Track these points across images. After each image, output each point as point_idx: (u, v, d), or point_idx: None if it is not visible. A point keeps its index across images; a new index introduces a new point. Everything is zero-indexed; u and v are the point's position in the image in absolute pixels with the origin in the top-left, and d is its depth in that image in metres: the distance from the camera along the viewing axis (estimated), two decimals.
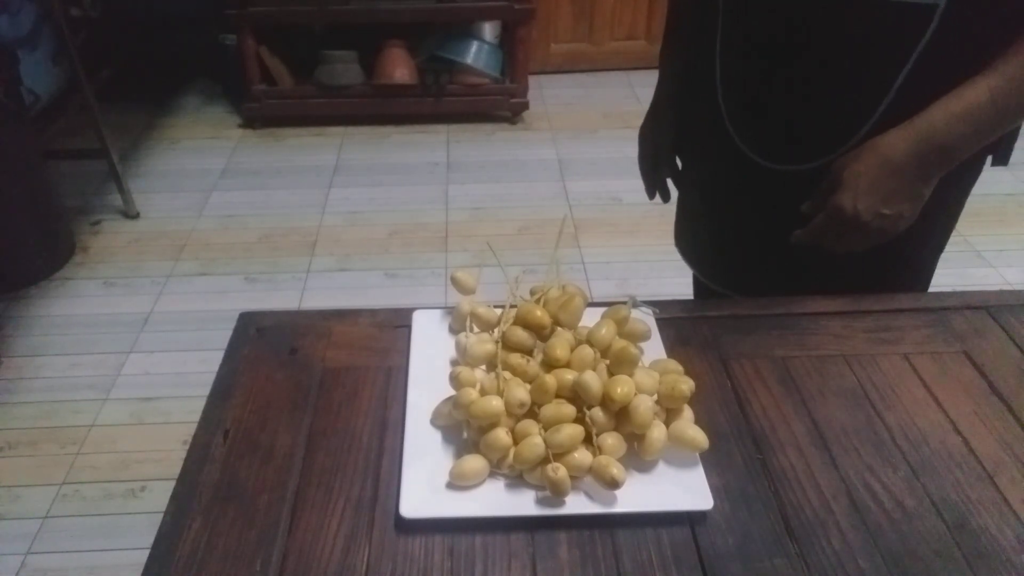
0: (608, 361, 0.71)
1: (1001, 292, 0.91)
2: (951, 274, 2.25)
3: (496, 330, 0.74)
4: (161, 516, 0.63)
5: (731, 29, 0.91)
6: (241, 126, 3.04)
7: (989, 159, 0.91)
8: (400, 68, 2.91)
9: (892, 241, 0.85)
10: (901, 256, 0.94)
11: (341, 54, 2.91)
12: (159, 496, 1.60)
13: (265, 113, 2.99)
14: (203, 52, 3.16)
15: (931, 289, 0.93)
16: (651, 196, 1.15)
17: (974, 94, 0.73)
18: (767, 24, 0.86)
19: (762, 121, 0.91)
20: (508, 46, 3.04)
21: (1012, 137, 0.87)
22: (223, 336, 0.81)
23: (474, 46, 2.98)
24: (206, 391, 0.75)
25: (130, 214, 2.49)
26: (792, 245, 0.89)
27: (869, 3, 0.76)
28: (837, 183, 0.80)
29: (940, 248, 1.00)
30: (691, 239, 1.12)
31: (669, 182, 1.13)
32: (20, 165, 2.10)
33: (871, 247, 0.82)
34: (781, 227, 0.90)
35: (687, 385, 0.69)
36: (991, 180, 3.02)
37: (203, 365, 1.86)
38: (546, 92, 3.29)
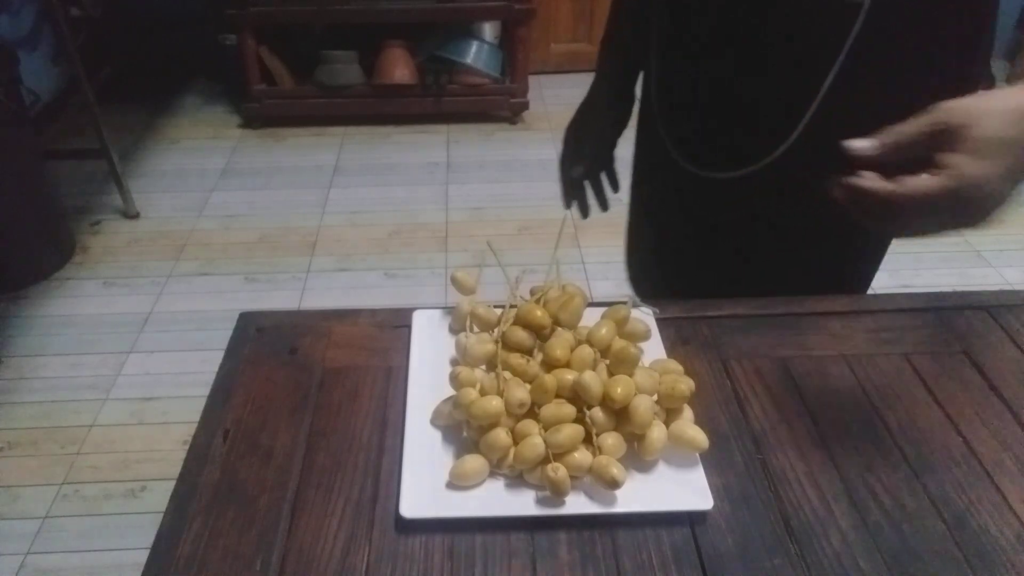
0: (608, 361, 0.71)
1: (1001, 292, 0.91)
2: (951, 274, 2.25)
3: (496, 330, 0.74)
4: (161, 516, 0.63)
5: (665, 31, 0.89)
6: (241, 126, 3.05)
7: None
8: (400, 68, 2.91)
9: (833, 255, 0.86)
10: (839, 268, 0.93)
11: (341, 54, 2.91)
12: (159, 496, 1.60)
13: (265, 113, 2.99)
14: (203, 52, 3.16)
15: (931, 289, 0.94)
16: (567, 204, 1.05)
17: None
18: (697, 26, 0.84)
19: (693, 126, 0.89)
20: (508, 46, 3.04)
21: None
22: (223, 336, 0.81)
23: (474, 46, 2.98)
24: (206, 391, 0.75)
25: (130, 214, 2.49)
26: (724, 254, 0.90)
27: (793, 2, 0.75)
28: (957, 139, 0.55)
29: (877, 262, 0.98)
30: (635, 256, 1.10)
31: (585, 191, 1.05)
32: (20, 165, 2.10)
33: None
34: (712, 236, 0.90)
35: (687, 385, 0.69)
36: None
37: (203, 365, 1.86)
38: (546, 92, 3.29)
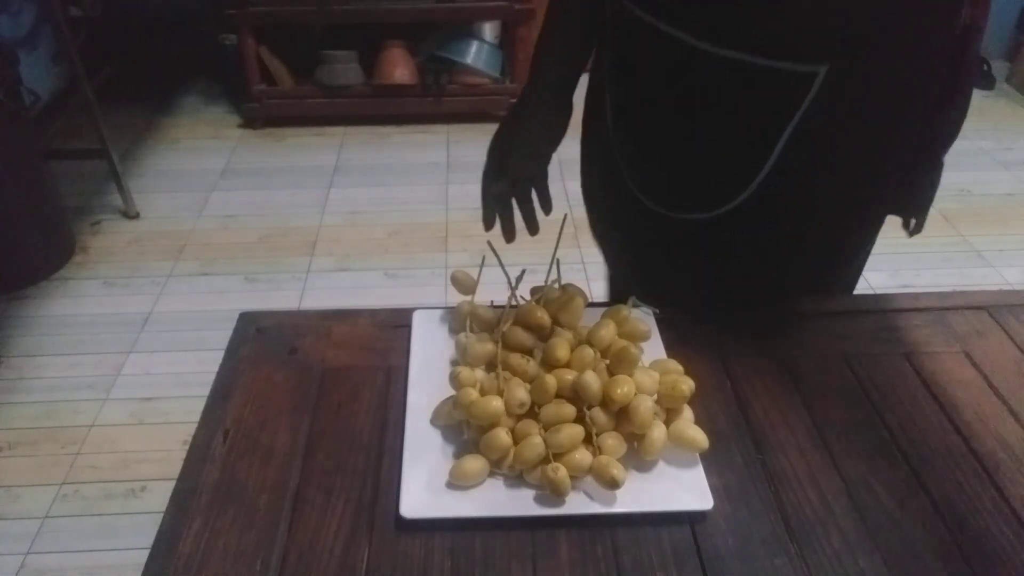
0: (608, 361, 0.71)
1: (1001, 292, 0.91)
2: (952, 274, 2.25)
3: (496, 330, 0.74)
4: (161, 516, 0.63)
5: (619, 64, 0.85)
6: (241, 126, 3.04)
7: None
8: (400, 68, 2.91)
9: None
10: (815, 281, 0.91)
11: (341, 54, 2.91)
12: (159, 496, 1.60)
13: (265, 113, 2.99)
14: (203, 52, 3.16)
15: (932, 289, 0.93)
16: (486, 224, 0.93)
17: None
18: (653, 77, 0.81)
19: (651, 170, 0.87)
20: (508, 46, 3.04)
21: (927, 201, 0.84)
22: (223, 336, 0.81)
23: (474, 46, 2.98)
24: (206, 391, 0.75)
25: (130, 214, 2.49)
26: (688, 275, 0.88)
27: (749, 67, 0.72)
28: None
29: (855, 277, 0.96)
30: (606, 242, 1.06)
31: (511, 210, 0.95)
32: (20, 165, 2.09)
33: None
34: (675, 259, 0.88)
35: (687, 385, 0.69)
36: (991, 180, 2.99)
37: (203, 365, 1.85)
38: None
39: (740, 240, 0.85)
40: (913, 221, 0.87)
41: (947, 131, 0.80)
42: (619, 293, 1.07)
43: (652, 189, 0.87)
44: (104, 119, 2.35)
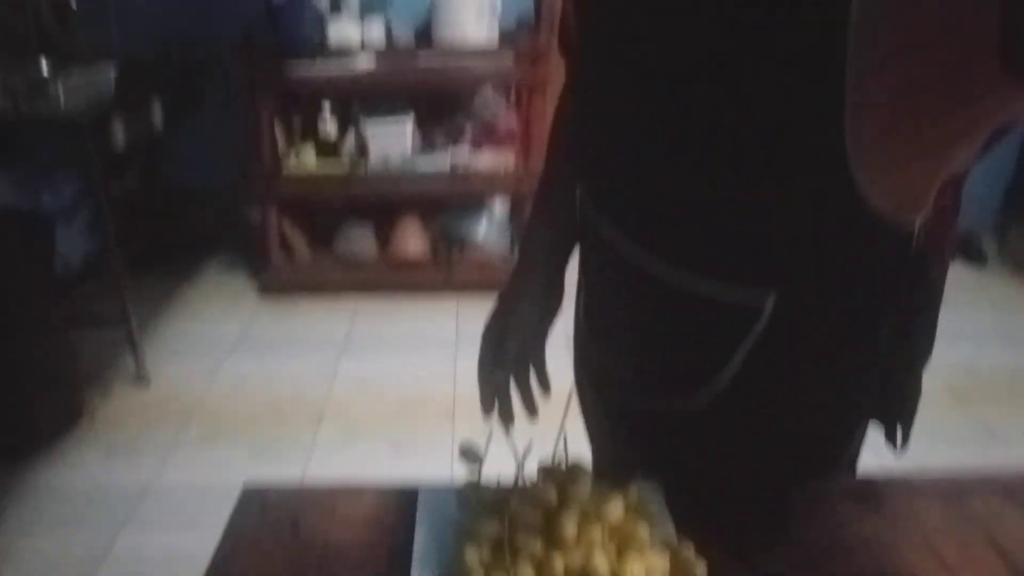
0: (617, 541, 0.69)
1: (1021, 476, 0.89)
2: (965, 454, 2.19)
3: (503, 508, 0.73)
4: None
5: (584, 261, 0.87)
6: (259, 294, 3.14)
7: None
8: (413, 242, 3.05)
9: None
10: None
11: (358, 227, 3.06)
12: None
13: (282, 282, 3.09)
14: (226, 223, 3.32)
15: (950, 467, 0.90)
16: (487, 411, 0.90)
17: None
18: (609, 285, 0.82)
19: (610, 357, 0.87)
20: (517, 222, 3.19)
21: (909, 411, 0.83)
22: (222, 509, 0.79)
23: (484, 224, 3.13)
24: (198, 572, 0.72)
25: (142, 381, 2.51)
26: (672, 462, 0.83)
27: (697, 292, 0.74)
28: None
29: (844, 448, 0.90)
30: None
31: (509, 395, 0.91)
32: (41, 333, 2.14)
33: None
34: (642, 453, 0.86)
35: (699, 568, 0.66)
36: (995, 356, 2.92)
37: (199, 543, 1.79)
38: None
39: (710, 432, 0.82)
40: (899, 434, 0.83)
41: (920, 343, 0.79)
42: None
43: (617, 378, 0.87)
44: (126, 285, 2.43)
